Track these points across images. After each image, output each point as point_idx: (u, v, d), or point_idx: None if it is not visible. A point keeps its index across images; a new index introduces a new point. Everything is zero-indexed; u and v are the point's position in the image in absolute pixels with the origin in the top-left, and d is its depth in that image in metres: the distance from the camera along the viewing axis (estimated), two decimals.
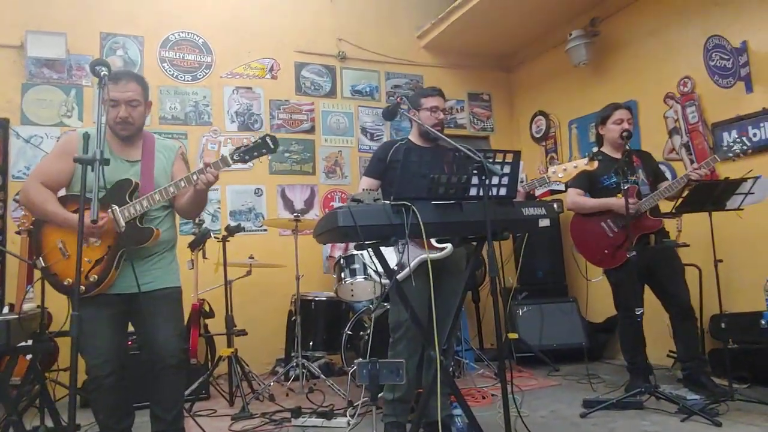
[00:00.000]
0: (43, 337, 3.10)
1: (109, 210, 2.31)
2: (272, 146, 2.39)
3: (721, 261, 3.30)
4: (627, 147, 3.44)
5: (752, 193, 3.25)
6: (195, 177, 2.35)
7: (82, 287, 2.28)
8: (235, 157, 2.38)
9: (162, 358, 2.42)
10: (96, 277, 2.32)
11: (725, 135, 4.13)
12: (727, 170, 3.75)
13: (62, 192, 2.49)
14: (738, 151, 3.29)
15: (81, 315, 1.82)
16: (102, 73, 2.01)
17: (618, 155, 3.62)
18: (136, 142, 2.51)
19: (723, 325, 3.37)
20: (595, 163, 2.74)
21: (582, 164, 2.71)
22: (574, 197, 3.72)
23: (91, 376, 2.38)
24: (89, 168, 1.87)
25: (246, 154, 2.39)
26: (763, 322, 3.25)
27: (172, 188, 2.38)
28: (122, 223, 2.31)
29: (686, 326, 3.55)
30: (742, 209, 3.31)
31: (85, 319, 2.15)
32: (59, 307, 3.80)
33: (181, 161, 2.63)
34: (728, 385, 3.28)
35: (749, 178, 3.22)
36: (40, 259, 2.40)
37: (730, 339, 3.59)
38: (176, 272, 2.60)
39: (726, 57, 3.98)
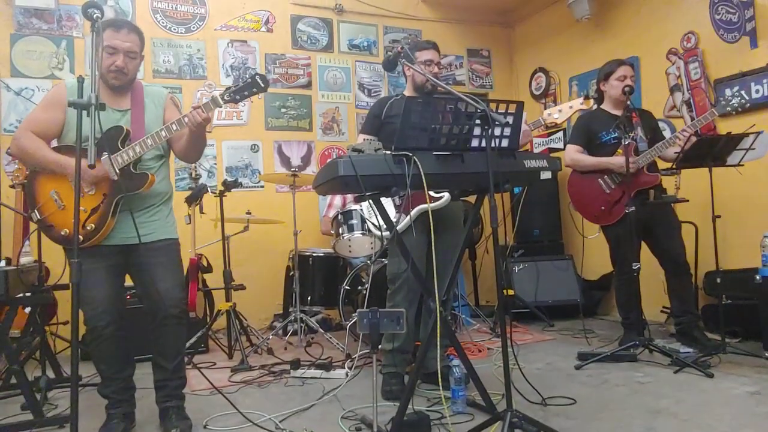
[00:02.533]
0: (41, 289, 3.10)
1: (102, 157, 2.27)
2: (262, 85, 2.33)
3: (719, 217, 3.31)
4: (629, 103, 3.42)
5: (753, 149, 3.24)
6: (186, 119, 2.32)
7: (80, 237, 2.21)
8: (225, 97, 2.34)
9: (164, 308, 2.42)
10: (93, 225, 2.30)
11: (727, 91, 4.07)
12: (729, 126, 3.73)
13: (54, 144, 2.44)
14: (736, 104, 3.27)
15: (80, 262, 1.80)
16: (95, 16, 1.94)
17: (618, 112, 3.59)
18: (125, 92, 2.47)
19: (718, 281, 3.40)
20: (591, 102, 2.71)
21: (578, 104, 2.69)
22: (573, 154, 3.70)
23: (89, 326, 2.38)
24: (84, 114, 1.82)
25: (236, 93, 2.34)
26: (757, 278, 3.27)
27: (164, 132, 2.34)
28: (116, 170, 2.28)
29: (681, 282, 3.58)
30: (742, 165, 3.30)
31: (82, 270, 2.14)
32: (56, 261, 3.80)
33: (172, 106, 2.58)
34: (721, 339, 3.34)
35: (751, 133, 3.20)
36: (36, 211, 2.37)
37: (723, 295, 3.63)
38: (173, 225, 2.58)
39: (732, 11, 3.91)
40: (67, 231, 2.32)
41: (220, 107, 2.37)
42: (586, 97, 2.71)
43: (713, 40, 4.12)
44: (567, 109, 2.70)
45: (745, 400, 2.62)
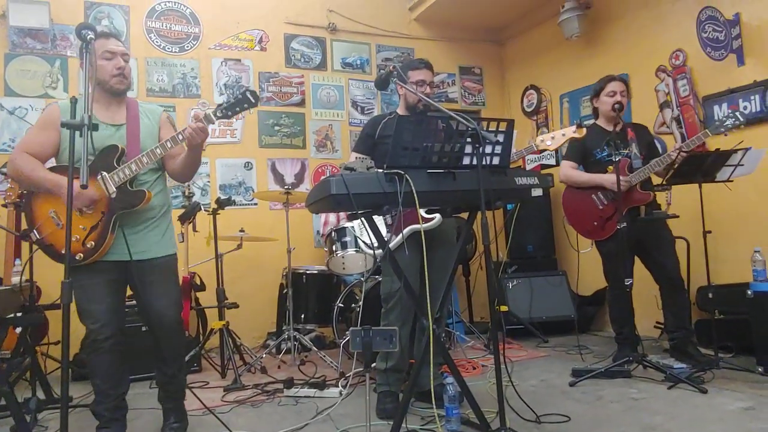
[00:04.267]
0: (32, 309, 3.08)
1: (99, 176, 2.33)
2: (253, 100, 2.39)
3: (710, 232, 3.33)
4: (620, 119, 3.46)
5: (742, 165, 3.27)
6: (180, 137, 2.36)
7: (81, 254, 2.33)
8: (218, 114, 2.38)
9: (160, 327, 2.51)
10: (93, 243, 2.34)
11: (716, 108, 4.14)
12: (718, 142, 3.77)
13: (51, 164, 2.47)
14: (730, 125, 3.29)
15: (72, 282, 1.80)
16: (89, 37, 1.96)
17: (610, 127, 3.62)
18: (119, 106, 2.51)
19: (710, 296, 3.41)
20: (584, 131, 2.74)
21: (570, 132, 2.71)
22: (567, 170, 3.73)
23: (89, 339, 2.43)
24: (77, 134, 1.83)
25: (228, 110, 2.39)
26: (749, 292, 3.29)
27: (159, 150, 2.38)
28: (113, 188, 2.34)
29: (675, 297, 3.59)
30: (731, 181, 3.33)
31: (83, 285, 2.32)
32: (48, 280, 3.79)
33: (168, 125, 2.63)
34: (714, 354, 3.35)
35: (739, 149, 3.24)
36: (35, 231, 2.41)
37: (716, 310, 3.64)
38: (171, 239, 2.63)
39: (719, 29, 3.97)
40: None
41: (213, 124, 2.39)
42: (579, 126, 2.74)
43: (701, 58, 4.18)
44: (560, 137, 2.73)
45: (739, 415, 2.62)
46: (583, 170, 3.73)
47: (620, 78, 3.71)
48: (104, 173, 2.35)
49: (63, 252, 2.29)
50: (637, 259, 3.64)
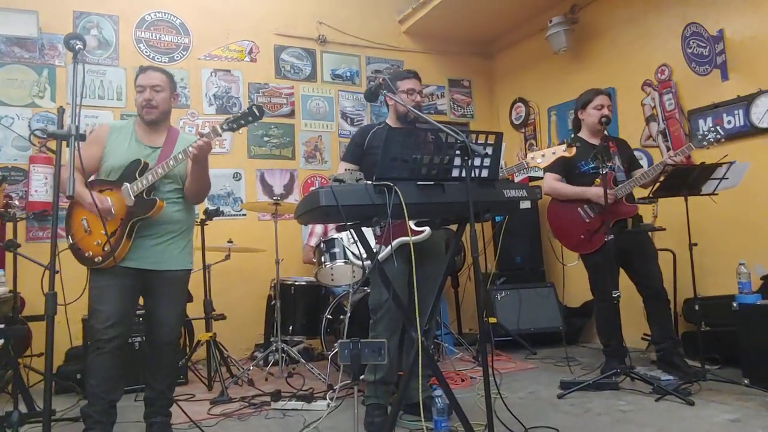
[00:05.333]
0: (15, 321, 3.04)
1: (123, 187, 2.56)
2: (258, 114, 2.52)
3: (696, 245, 3.36)
4: (606, 133, 3.49)
5: (726, 178, 3.31)
6: (189, 148, 2.50)
7: (99, 257, 2.52)
8: (224, 127, 2.51)
9: (160, 335, 2.66)
10: (110, 247, 2.50)
11: (701, 122, 4.20)
12: (703, 155, 3.82)
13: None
14: (712, 140, 3.34)
15: (54, 294, 1.79)
16: (77, 47, 1.96)
17: (595, 141, 3.65)
18: (161, 131, 2.73)
19: (696, 308, 3.44)
20: (574, 150, 2.76)
21: (560, 150, 2.74)
22: (551, 182, 3.74)
23: (93, 339, 2.50)
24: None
25: (234, 123, 2.52)
26: (734, 305, 3.32)
27: (172, 161, 2.54)
28: (131, 197, 2.52)
29: (659, 308, 3.62)
30: (716, 194, 3.37)
31: (99, 287, 2.52)
32: (32, 291, 3.74)
33: None
34: (701, 366, 3.37)
35: (724, 163, 3.28)
36: (69, 236, 2.64)
37: (702, 322, 3.67)
38: (188, 255, 2.77)
39: (703, 44, 4.03)
40: (90, 253, 2.55)
41: (220, 136, 2.54)
42: (569, 145, 2.76)
43: (686, 73, 4.24)
44: (550, 155, 2.75)
45: (726, 427, 2.63)
46: (565, 182, 3.73)
47: (606, 92, 3.75)
48: (126, 184, 2.55)
49: (86, 255, 2.56)
50: (622, 272, 3.66)
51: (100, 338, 2.47)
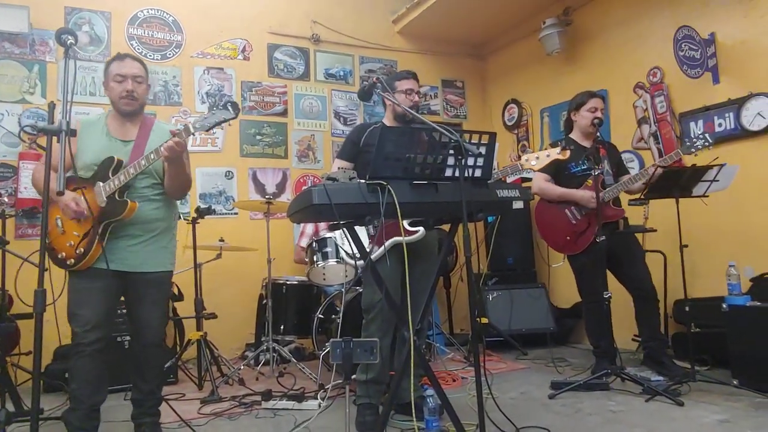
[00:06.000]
0: (3, 318, 3.01)
1: (96, 186, 2.46)
2: (233, 112, 2.40)
3: (686, 246, 3.38)
4: (598, 136, 3.51)
5: (717, 181, 3.34)
6: (161, 148, 2.38)
7: (72, 260, 2.43)
8: (196, 126, 2.39)
9: (143, 338, 2.60)
10: (82, 249, 2.41)
11: (692, 125, 4.23)
12: (694, 158, 3.85)
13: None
14: (700, 146, 3.35)
15: (44, 291, 1.77)
16: (68, 42, 1.94)
17: (586, 143, 3.68)
18: (135, 123, 2.61)
19: (686, 309, 3.46)
20: (567, 152, 2.78)
21: (554, 153, 2.75)
22: (541, 183, 3.74)
23: (74, 342, 2.45)
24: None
25: (206, 121, 2.40)
26: (724, 306, 3.34)
27: (144, 161, 2.42)
28: (103, 198, 2.41)
29: (648, 308, 3.65)
30: (707, 196, 3.39)
31: (78, 289, 2.44)
32: (20, 289, 3.70)
33: None
34: (690, 367, 3.39)
35: (715, 165, 3.30)
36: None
37: (692, 323, 3.70)
38: (169, 255, 2.67)
39: (695, 48, 4.06)
40: (64, 254, 2.46)
41: (192, 135, 2.41)
42: (564, 148, 2.78)
43: (678, 76, 4.26)
44: (544, 157, 2.77)
45: (715, 428, 2.65)
46: (554, 183, 3.73)
47: (600, 95, 3.77)
48: (100, 183, 2.44)
49: (60, 256, 2.47)
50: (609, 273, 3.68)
51: (80, 342, 2.42)
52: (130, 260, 2.49)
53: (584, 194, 3.51)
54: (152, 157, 2.41)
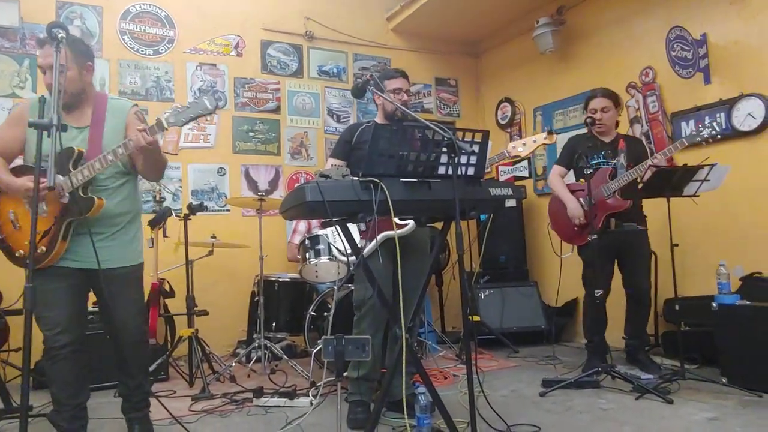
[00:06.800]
0: None
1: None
2: (209, 106, 2.25)
3: (677, 245, 3.40)
4: (592, 132, 3.63)
5: (708, 180, 3.36)
6: (130, 143, 2.24)
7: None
8: (170, 120, 2.25)
9: (122, 337, 2.46)
10: (44, 248, 2.27)
11: (683, 125, 4.25)
12: (685, 158, 3.87)
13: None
14: (706, 135, 3.36)
15: (35, 287, 1.75)
16: (59, 36, 1.92)
17: (605, 139, 3.76)
18: (84, 108, 2.39)
19: (676, 308, 3.48)
20: (554, 137, 2.81)
21: (541, 139, 2.76)
22: (552, 176, 3.91)
23: (46, 346, 2.35)
24: (45, 134, 1.79)
25: (181, 115, 2.26)
26: (714, 305, 3.37)
27: (111, 156, 2.26)
28: (65, 193, 2.24)
29: (638, 310, 3.75)
30: (698, 195, 3.42)
31: (42, 290, 2.15)
32: (9, 284, 3.68)
33: (136, 122, 2.45)
34: (680, 365, 3.41)
35: (706, 165, 3.32)
36: None
37: (682, 322, 3.72)
38: (137, 249, 2.53)
39: (687, 48, 4.08)
40: (22, 252, 2.31)
41: (165, 130, 2.27)
42: (549, 132, 2.80)
43: (670, 76, 4.28)
44: (531, 143, 2.77)
45: (704, 425, 2.67)
46: (572, 175, 3.87)
47: (603, 93, 3.78)
48: (60, 177, 2.24)
49: (17, 255, 2.31)
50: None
51: (52, 346, 2.32)
52: (94, 256, 2.27)
53: (571, 206, 3.65)
54: (120, 152, 2.26)
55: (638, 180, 3.56)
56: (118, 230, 2.44)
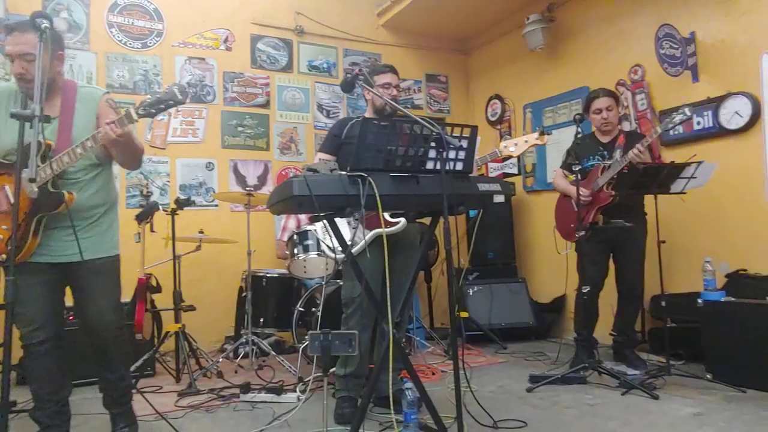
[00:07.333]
0: None
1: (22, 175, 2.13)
2: (180, 96, 2.19)
3: (664, 242, 3.43)
4: (578, 130, 3.64)
5: (695, 177, 3.37)
6: (99, 136, 2.17)
7: (3, 255, 2.20)
8: (140, 112, 2.17)
9: (95, 333, 2.39)
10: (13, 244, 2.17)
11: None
12: (673, 155, 3.91)
13: None
14: (678, 121, 3.37)
15: (15, 281, 1.73)
16: (43, 26, 1.89)
17: (605, 139, 3.83)
18: (52, 97, 2.29)
19: (663, 305, 3.50)
20: (545, 137, 2.82)
21: (533, 139, 2.77)
22: (555, 178, 4.11)
23: (23, 344, 2.31)
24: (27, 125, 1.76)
25: (151, 107, 2.18)
26: (699, 302, 3.40)
27: (80, 149, 2.18)
28: (34, 188, 2.15)
29: (627, 307, 3.80)
30: (685, 192, 3.44)
31: (17, 287, 2.06)
32: None
33: (108, 110, 2.38)
34: (666, 361, 3.43)
35: (693, 162, 3.34)
36: None
37: (669, 318, 3.75)
38: (112, 240, 2.46)
39: (675, 46, 4.10)
40: None
41: (135, 122, 2.18)
42: (542, 133, 2.81)
43: (658, 73, 4.30)
44: (522, 144, 2.78)
45: (689, 421, 2.69)
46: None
47: (605, 93, 3.83)
48: (26, 170, 2.09)
49: None
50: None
51: (29, 343, 2.28)
52: (70, 250, 2.26)
53: (574, 191, 3.67)
54: (89, 145, 2.18)
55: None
56: (92, 222, 2.38)
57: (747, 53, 3.83)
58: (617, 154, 3.60)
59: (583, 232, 3.38)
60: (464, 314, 4.58)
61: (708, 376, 3.27)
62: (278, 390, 3.25)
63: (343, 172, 2.12)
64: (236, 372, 3.92)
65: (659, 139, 4.22)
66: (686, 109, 3.33)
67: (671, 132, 4.20)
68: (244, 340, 3.99)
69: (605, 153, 3.72)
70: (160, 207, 3.96)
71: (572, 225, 3.74)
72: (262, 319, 4.23)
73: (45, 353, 2.30)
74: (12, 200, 2.13)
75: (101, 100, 2.40)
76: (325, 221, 2.27)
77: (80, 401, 2.54)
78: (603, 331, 3.93)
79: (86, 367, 2.47)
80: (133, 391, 2.65)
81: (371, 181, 2.07)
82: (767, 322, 3.10)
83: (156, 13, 4.98)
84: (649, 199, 3.46)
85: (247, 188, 4.10)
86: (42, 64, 2.05)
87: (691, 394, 3.10)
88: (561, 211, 3.97)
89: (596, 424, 2.70)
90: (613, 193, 3.56)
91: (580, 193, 3.54)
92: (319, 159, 2.96)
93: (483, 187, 2.37)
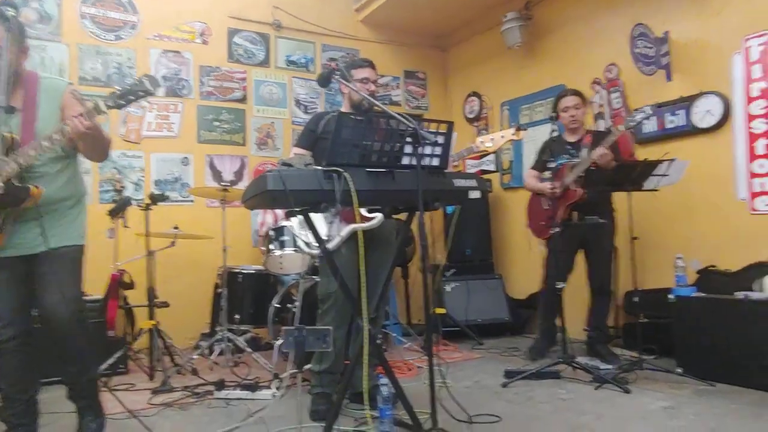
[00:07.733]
0: None
1: None
2: (150, 87, 2.13)
3: (636, 239, 3.48)
4: (553, 128, 3.76)
5: (667, 175, 3.43)
6: (67, 129, 2.11)
7: None
8: (108, 103, 2.12)
9: (51, 323, 2.27)
10: None
11: (645, 121, 4.31)
12: (646, 153, 3.96)
13: None
14: (639, 119, 3.48)
15: None
16: (9, 14, 1.84)
17: (572, 138, 3.89)
18: (15, 90, 2.20)
19: (636, 300, 3.55)
20: (521, 133, 2.86)
21: (509, 134, 2.79)
22: (527, 178, 4.18)
23: None
24: None
25: (120, 98, 2.13)
26: (671, 297, 3.46)
27: (46, 142, 2.12)
28: (0, 184, 2.08)
29: (599, 302, 3.88)
30: (657, 190, 3.49)
31: None
32: None
33: (73, 102, 2.31)
34: (638, 356, 3.49)
35: (665, 160, 3.39)
36: None
37: (641, 313, 3.81)
38: (79, 229, 2.39)
39: (649, 45, 4.15)
40: None
41: (105, 113, 2.13)
42: (518, 128, 2.84)
43: (633, 72, 4.36)
44: (499, 139, 2.80)
45: (660, 414, 2.74)
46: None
47: (573, 92, 3.95)
48: None
49: None
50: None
51: None
52: (35, 241, 2.21)
53: (544, 187, 3.85)
54: (56, 138, 2.12)
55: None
56: (59, 214, 2.32)
57: (719, 53, 3.90)
58: (584, 152, 3.68)
59: (558, 229, 3.41)
60: (441, 310, 4.60)
61: (679, 370, 3.33)
62: (253, 387, 3.22)
63: (319, 167, 2.11)
64: (211, 369, 3.88)
65: (633, 137, 4.28)
66: (647, 108, 3.45)
67: (644, 130, 4.26)
68: (220, 337, 3.95)
69: (573, 152, 3.80)
70: (133, 202, 3.90)
71: (542, 223, 3.85)
72: (237, 316, 4.18)
73: (13, 350, 2.25)
74: None
75: (65, 91, 2.34)
76: (301, 216, 2.25)
77: (51, 399, 2.48)
78: (576, 327, 3.98)
79: (56, 366, 2.40)
80: (104, 389, 2.60)
81: (347, 176, 2.06)
82: (737, 317, 3.17)
83: (130, 5, 4.89)
84: (621, 196, 3.51)
85: (223, 183, 4.04)
86: (9, 56, 2.02)
87: (662, 388, 3.15)
88: (532, 210, 4.07)
89: (569, 418, 2.73)
90: (581, 190, 3.61)
91: (550, 188, 3.68)
92: (294, 154, 2.93)
93: (459, 182, 2.38)
